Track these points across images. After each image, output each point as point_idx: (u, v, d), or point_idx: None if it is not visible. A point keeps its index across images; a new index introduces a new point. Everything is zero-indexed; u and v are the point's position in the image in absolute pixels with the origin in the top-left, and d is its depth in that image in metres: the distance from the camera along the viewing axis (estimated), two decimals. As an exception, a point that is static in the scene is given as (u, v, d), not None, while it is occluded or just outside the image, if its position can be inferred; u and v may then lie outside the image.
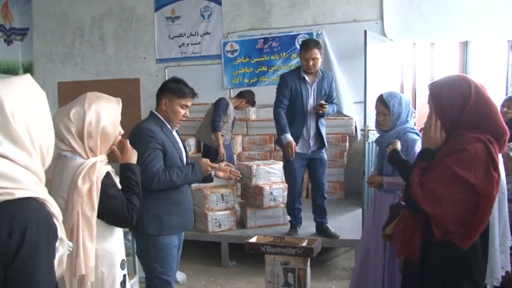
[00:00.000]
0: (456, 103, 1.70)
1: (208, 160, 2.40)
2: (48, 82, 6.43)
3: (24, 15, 6.70)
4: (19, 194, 0.94)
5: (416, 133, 2.62)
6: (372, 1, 5.37)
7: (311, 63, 3.55)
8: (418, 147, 2.40)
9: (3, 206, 0.92)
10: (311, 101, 3.67)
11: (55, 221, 1.01)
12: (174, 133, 2.42)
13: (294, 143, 3.56)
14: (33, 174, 1.00)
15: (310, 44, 3.60)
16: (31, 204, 0.96)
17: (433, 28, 5.18)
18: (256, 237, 2.94)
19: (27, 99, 1.00)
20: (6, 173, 0.94)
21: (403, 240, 1.86)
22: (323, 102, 3.61)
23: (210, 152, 4.73)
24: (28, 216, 0.94)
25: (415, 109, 6.07)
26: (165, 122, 2.34)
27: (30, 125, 0.99)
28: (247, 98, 5.00)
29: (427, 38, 5.41)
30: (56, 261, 1.01)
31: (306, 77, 3.64)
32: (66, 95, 6.36)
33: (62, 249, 1.03)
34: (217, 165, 2.43)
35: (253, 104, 5.11)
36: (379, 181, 2.59)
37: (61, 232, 1.03)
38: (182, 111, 2.36)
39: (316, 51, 3.55)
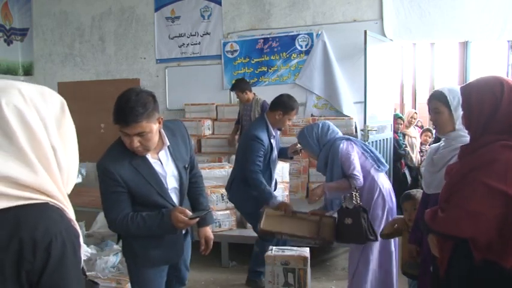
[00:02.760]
0: (486, 105, 1.57)
1: (184, 210, 1.84)
2: (48, 82, 6.42)
3: (24, 15, 6.70)
4: (40, 182, 0.89)
5: None
6: (371, 1, 5.36)
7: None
8: None
9: (20, 214, 0.86)
10: (275, 153, 3.39)
11: (75, 226, 0.96)
12: (163, 154, 1.94)
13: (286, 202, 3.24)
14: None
15: (298, 106, 3.32)
16: (50, 212, 0.90)
17: (433, 28, 5.18)
18: (265, 215, 2.85)
19: (71, 120, 1.01)
20: (20, 178, 0.87)
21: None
22: (299, 148, 3.27)
23: None
24: (50, 227, 0.88)
25: (414, 109, 6.09)
26: None
27: (71, 134, 0.99)
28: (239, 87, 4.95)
29: (427, 38, 5.41)
30: None
31: (273, 132, 3.31)
32: (66, 95, 6.32)
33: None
34: (192, 222, 1.87)
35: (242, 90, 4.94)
36: (321, 191, 2.46)
37: (81, 237, 0.98)
38: (125, 138, 1.80)
39: None
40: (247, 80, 5.23)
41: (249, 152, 3.14)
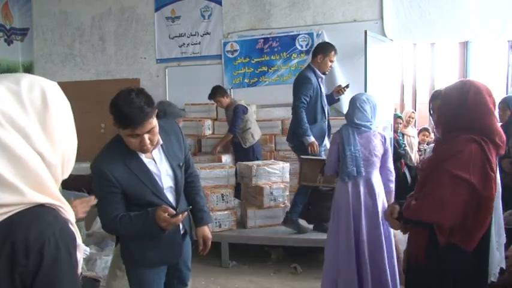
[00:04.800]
0: (453, 105, 1.75)
1: (167, 209, 1.79)
2: (48, 82, 6.42)
3: (24, 15, 6.70)
4: (29, 200, 0.86)
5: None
6: (371, 1, 5.36)
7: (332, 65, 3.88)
8: None
9: (13, 217, 0.84)
10: (325, 98, 3.91)
11: (71, 227, 0.94)
12: (156, 153, 1.92)
13: (316, 143, 3.72)
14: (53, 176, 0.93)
15: (336, 49, 3.87)
16: (44, 214, 0.88)
17: (433, 28, 5.18)
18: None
19: (62, 99, 0.99)
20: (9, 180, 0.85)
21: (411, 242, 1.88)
22: (347, 84, 3.98)
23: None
24: (43, 229, 0.86)
25: (415, 109, 6.08)
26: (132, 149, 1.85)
27: (62, 125, 0.94)
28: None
29: (427, 38, 5.41)
30: None
31: (321, 76, 3.87)
32: (67, 95, 6.33)
33: (79, 255, 0.97)
34: (175, 221, 1.78)
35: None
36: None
37: (78, 239, 0.96)
38: (133, 140, 1.78)
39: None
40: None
41: (298, 90, 3.72)
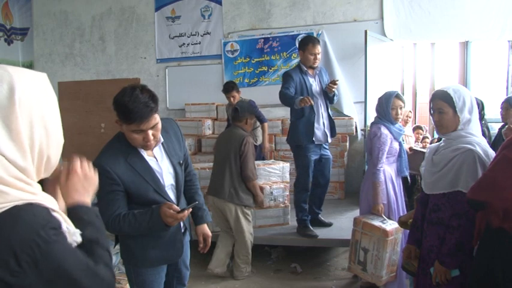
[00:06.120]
0: None
1: (171, 206, 1.79)
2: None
3: (24, 15, 6.70)
4: (5, 204, 0.83)
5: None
6: (372, 1, 5.36)
7: (316, 57, 3.76)
8: None
9: None
10: (318, 89, 3.81)
11: (54, 214, 0.90)
12: (157, 150, 1.93)
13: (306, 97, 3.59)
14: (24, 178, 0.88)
15: (315, 40, 3.82)
16: (21, 215, 0.84)
17: (433, 28, 5.18)
18: None
19: (39, 94, 0.89)
20: None
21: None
22: (335, 79, 3.77)
23: None
24: (25, 234, 0.83)
25: (415, 109, 6.08)
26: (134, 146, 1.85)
27: (35, 122, 0.87)
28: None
29: (427, 38, 5.41)
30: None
31: (308, 71, 3.80)
32: (67, 94, 6.38)
33: (70, 239, 0.93)
34: (181, 216, 1.78)
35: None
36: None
37: (65, 223, 0.92)
38: (137, 136, 1.78)
39: (319, 47, 3.79)
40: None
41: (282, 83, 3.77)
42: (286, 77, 3.77)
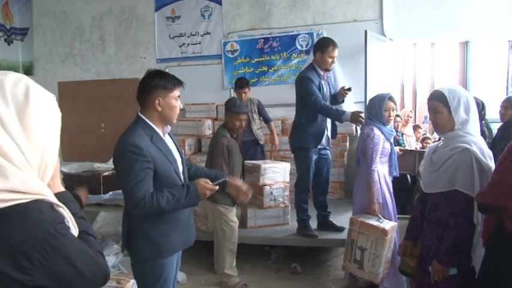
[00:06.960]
0: None
1: (207, 181, 1.97)
2: (49, 82, 6.42)
3: (24, 15, 6.70)
4: (12, 201, 0.85)
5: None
6: (372, 1, 5.37)
7: (334, 60, 3.71)
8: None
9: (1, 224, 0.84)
10: (328, 93, 3.78)
11: (58, 209, 0.93)
12: (167, 137, 2.05)
13: (358, 112, 3.50)
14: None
15: (335, 43, 3.69)
16: (29, 214, 0.87)
17: (433, 28, 5.17)
18: None
19: (48, 104, 0.95)
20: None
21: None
22: (350, 87, 3.78)
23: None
24: (35, 233, 0.86)
25: (415, 109, 6.09)
26: (155, 129, 1.97)
27: (43, 126, 0.92)
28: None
29: (427, 38, 5.41)
30: None
31: (322, 74, 3.74)
32: (67, 94, 6.37)
33: (75, 232, 0.98)
34: (216, 187, 1.98)
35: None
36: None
37: (67, 215, 0.95)
38: (178, 104, 1.98)
39: (337, 50, 3.70)
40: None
41: (305, 92, 3.60)
42: (309, 83, 3.61)
